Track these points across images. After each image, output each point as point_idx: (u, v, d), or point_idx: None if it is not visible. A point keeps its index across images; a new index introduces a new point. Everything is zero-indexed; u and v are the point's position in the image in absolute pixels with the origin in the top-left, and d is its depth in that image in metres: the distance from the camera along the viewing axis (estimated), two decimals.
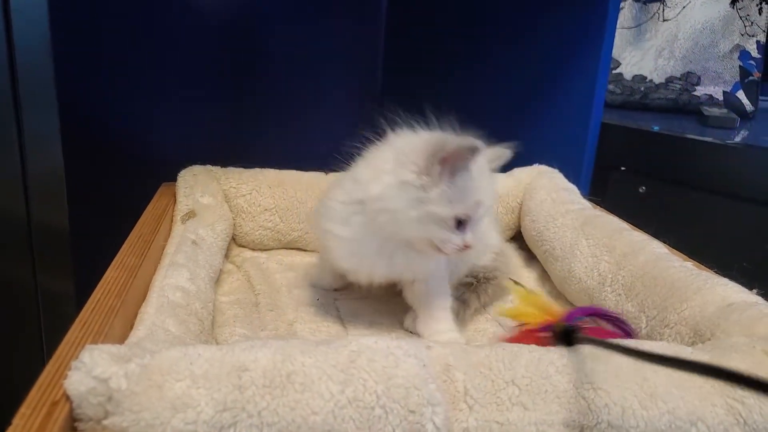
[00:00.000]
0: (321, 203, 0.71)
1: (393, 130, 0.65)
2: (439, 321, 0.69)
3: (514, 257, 0.95)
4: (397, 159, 0.61)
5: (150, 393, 0.37)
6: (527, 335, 0.54)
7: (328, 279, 0.80)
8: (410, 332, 0.71)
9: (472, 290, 0.76)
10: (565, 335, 0.47)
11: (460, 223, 0.61)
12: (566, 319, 0.54)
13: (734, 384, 0.33)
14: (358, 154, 0.68)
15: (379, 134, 0.66)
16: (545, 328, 0.53)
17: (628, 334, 0.59)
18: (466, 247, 0.62)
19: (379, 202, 0.62)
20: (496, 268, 0.79)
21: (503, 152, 0.68)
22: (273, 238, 0.94)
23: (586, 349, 0.46)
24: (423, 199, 0.60)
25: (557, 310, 0.55)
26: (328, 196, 0.70)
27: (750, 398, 0.43)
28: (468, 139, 0.59)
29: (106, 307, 0.51)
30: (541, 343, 0.48)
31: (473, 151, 0.58)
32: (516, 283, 0.78)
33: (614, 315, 0.60)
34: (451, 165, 0.59)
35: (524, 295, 0.59)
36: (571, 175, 1.00)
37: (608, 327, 0.59)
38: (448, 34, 1.34)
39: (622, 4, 1.61)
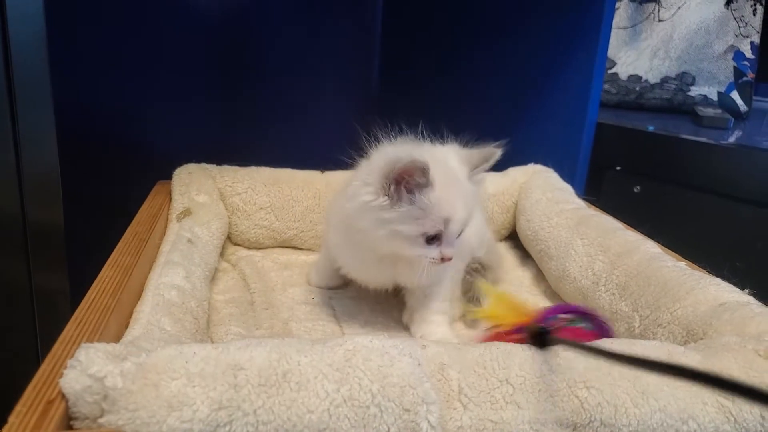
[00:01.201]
0: (330, 206, 0.72)
1: (387, 132, 0.65)
2: (432, 324, 0.70)
3: (509, 256, 0.95)
4: (363, 179, 0.61)
5: (146, 391, 0.37)
6: (501, 337, 0.53)
7: (327, 278, 0.80)
8: (407, 327, 0.71)
9: (480, 273, 0.78)
10: (538, 336, 0.47)
11: (434, 238, 0.60)
12: (540, 319, 0.53)
13: (694, 381, 0.33)
14: (362, 154, 0.68)
15: (376, 135, 0.66)
16: (519, 329, 0.52)
17: (605, 332, 0.58)
18: (444, 260, 0.61)
19: (353, 221, 0.63)
20: (490, 260, 0.82)
21: (492, 153, 0.66)
22: (268, 237, 0.94)
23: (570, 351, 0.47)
24: (387, 219, 0.59)
25: (530, 310, 0.54)
26: (335, 199, 0.70)
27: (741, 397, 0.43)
28: (415, 158, 0.57)
29: (102, 306, 0.51)
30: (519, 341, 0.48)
31: (422, 170, 0.57)
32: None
33: (591, 313, 0.59)
34: (406, 183, 0.58)
35: (497, 296, 0.57)
36: (566, 175, 1.00)
37: (582, 325, 0.58)
38: (443, 34, 1.34)
39: (617, 5, 1.61)
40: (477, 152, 0.66)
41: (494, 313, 0.55)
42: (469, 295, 0.75)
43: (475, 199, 0.65)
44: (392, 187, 0.59)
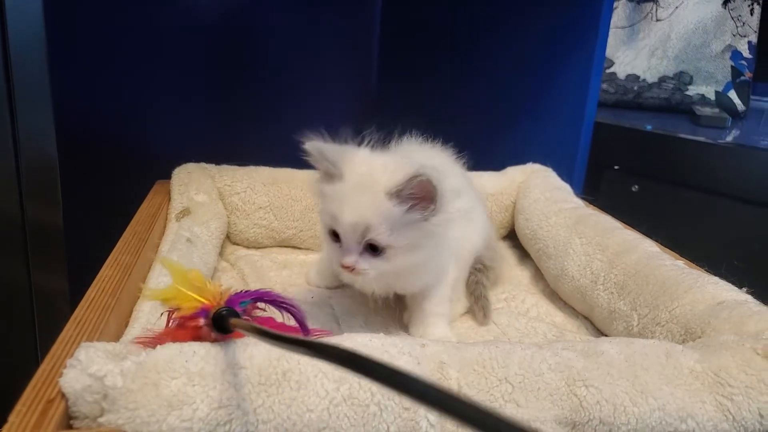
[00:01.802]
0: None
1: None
2: (429, 326, 0.69)
3: (507, 256, 0.95)
4: None
5: (146, 390, 0.37)
6: (180, 328, 0.46)
7: (326, 278, 0.80)
8: (408, 326, 0.72)
9: (482, 273, 0.78)
10: (219, 321, 0.43)
11: (338, 239, 0.61)
12: (227, 303, 0.46)
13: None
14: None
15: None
16: (200, 313, 0.45)
17: (301, 323, 0.51)
18: (347, 268, 0.60)
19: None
20: (492, 258, 0.82)
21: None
22: (267, 236, 0.94)
23: (578, 345, 0.47)
24: (320, 205, 0.63)
25: (216, 291, 0.47)
26: None
27: (739, 395, 0.43)
28: (327, 148, 0.60)
29: (101, 305, 0.51)
30: (196, 335, 0.43)
31: (331, 161, 0.59)
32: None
33: (285, 302, 0.51)
34: (325, 170, 0.61)
35: (179, 273, 0.48)
36: (565, 174, 1.00)
37: (268, 314, 0.51)
38: (442, 34, 1.34)
39: (615, 4, 1.61)
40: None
41: (175, 295, 0.47)
42: (477, 293, 0.75)
43: (387, 218, 0.59)
44: (321, 172, 0.62)
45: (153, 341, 0.44)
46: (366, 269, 0.60)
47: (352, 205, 0.59)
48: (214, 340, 0.44)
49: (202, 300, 0.45)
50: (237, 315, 0.43)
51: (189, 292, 0.46)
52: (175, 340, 0.43)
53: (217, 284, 0.47)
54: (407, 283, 0.68)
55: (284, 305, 0.49)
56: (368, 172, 0.60)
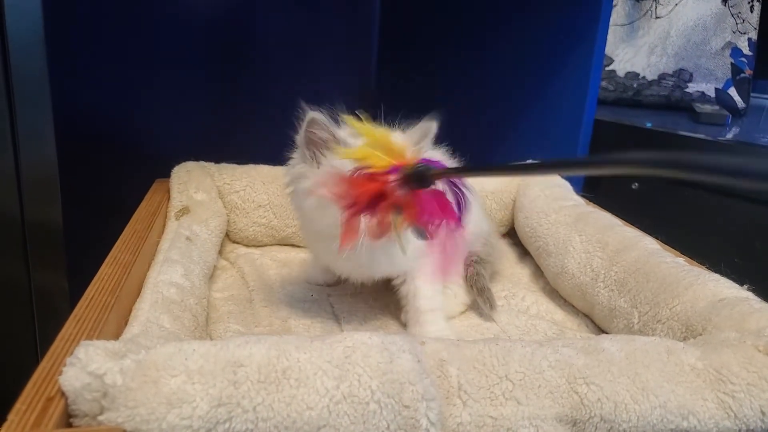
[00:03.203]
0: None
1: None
2: (425, 324, 0.68)
3: (507, 252, 0.95)
4: (292, 157, 0.66)
5: (145, 389, 0.37)
6: (370, 180, 0.48)
7: (320, 274, 0.80)
8: (407, 325, 0.71)
9: (480, 265, 0.78)
10: (418, 176, 0.45)
11: None
12: (417, 162, 0.49)
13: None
14: None
15: None
16: (393, 170, 0.47)
17: (459, 207, 0.54)
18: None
19: (294, 203, 0.68)
20: (489, 254, 0.82)
21: (429, 127, 0.64)
22: (267, 234, 0.94)
23: (579, 343, 0.47)
24: (311, 186, 0.62)
25: (404, 152, 0.50)
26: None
27: (741, 392, 0.43)
28: (315, 115, 0.59)
29: (101, 304, 0.51)
30: (382, 190, 0.45)
31: (323, 125, 0.59)
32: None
33: (459, 186, 0.54)
34: (316, 143, 0.61)
35: (369, 134, 0.50)
36: None
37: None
38: (441, 32, 1.34)
39: (615, 2, 1.61)
40: (415, 129, 0.64)
41: (367, 154, 0.49)
42: (479, 285, 0.75)
43: None
44: (307, 150, 0.61)
45: (342, 185, 0.47)
46: None
47: None
48: (393, 202, 0.46)
49: (392, 160, 0.48)
50: (429, 170, 0.45)
51: (380, 153, 0.48)
52: (362, 190, 0.45)
53: (404, 144, 0.50)
54: (384, 260, 0.66)
55: (456, 188, 0.53)
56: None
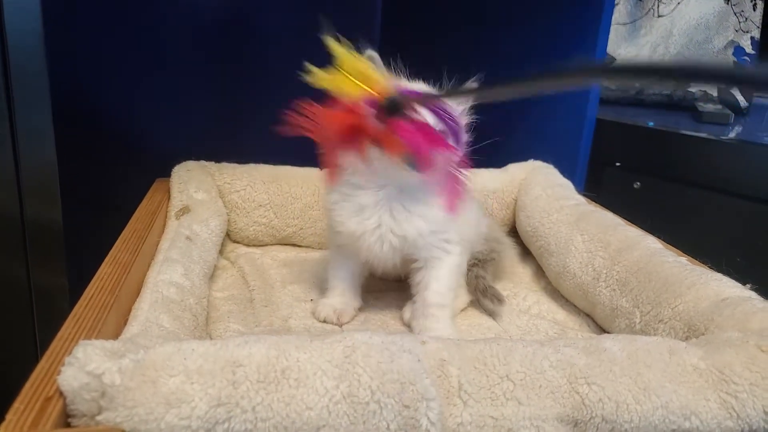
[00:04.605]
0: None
1: None
2: (430, 318, 0.67)
3: (510, 247, 0.95)
4: None
5: (144, 388, 0.37)
6: (346, 112, 0.45)
7: (329, 308, 0.72)
8: (407, 325, 0.71)
9: (479, 267, 0.78)
10: (392, 106, 0.43)
11: None
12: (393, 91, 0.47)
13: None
14: None
15: None
16: (368, 103, 0.45)
17: (455, 134, 0.52)
18: None
19: None
20: (492, 250, 0.81)
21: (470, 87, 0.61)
22: (267, 234, 0.94)
23: (580, 343, 0.46)
24: None
25: (382, 82, 0.47)
26: None
27: (743, 393, 0.43)
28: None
29: (100, 303, 0.51)
30: (357, 123, 0.43)
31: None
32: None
33: (444, 112, 0.52)
34: None
35: (348, 59, 0.47)
36: (566, 171, 1.00)
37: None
38: (443, 30, 1.33)
39: (616, 0, 1.61)
40: (458, 88, 0.61)
41: (344, 82, 0.47)
42: (481, 286, 0.75)
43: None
44: None
45: (315, 116, 0.45)
46: None
47: None
48: (370, 135, 0.43)
49: (370, 90, 0.45)
50: (404, 99, 0.43)
51: (357, 81, 0.46)
52: (335, 122, 0.43)
53: (383, 74, 0.48)
54: (418, 209, 0.64)
55: (443, 115, 0.49)
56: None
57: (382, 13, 1.40)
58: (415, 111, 0.42)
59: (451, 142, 0.51)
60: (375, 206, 0.65)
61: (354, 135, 0.45)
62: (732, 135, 1.31)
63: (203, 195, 0.85)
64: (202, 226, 0.79)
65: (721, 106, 1.52)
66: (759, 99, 1.59)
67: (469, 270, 0.77)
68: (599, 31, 1.04)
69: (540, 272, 0.88)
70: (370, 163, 0.49)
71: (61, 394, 0.37)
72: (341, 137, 0.46)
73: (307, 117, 0.46)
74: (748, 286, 0.60)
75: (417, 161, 0.49)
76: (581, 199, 0.91)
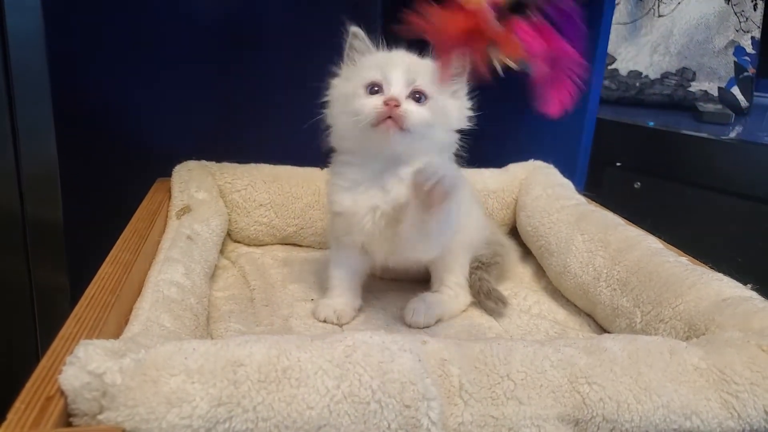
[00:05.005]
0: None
1: None
2: (449, 290, 0.75)
3: (512, 250, 0.95)
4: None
5: (145, 388, 0.37)
6: (463, 13, 0.45)
7: (329, 309, 0.72)
8: (409, 325, 0.71)
9: (482, 270, 0.78)
10: (515, 5, 0.43)
11: (377, 92, 0.66)
12: None
13: None
14: None
15: None
16: (491, 3, 0.45)
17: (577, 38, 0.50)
18: (389, 105, 0.63)
19: (333, 121, 0.72)
20: (496, 253, 0.82)
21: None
22: (268, 234, 0.94)
23: (581, 342, 0.46)
24: (344, 94, 0.69)
25: None
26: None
27: (744, 392, 0.43)
28: (356, 30, 0.70)
29: (101, 303, 0.51)
30: (476, 23, 0.43)
31: (361, 36, 0.69)
32: None
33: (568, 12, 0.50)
34: (351, 49, 0.71)
35: None
36: (567, 171, 1.00)
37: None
38: None
39: (617, 0, 1.61)
40: None
41: None
42: (484, 289, 0.75)
43: (433, 73, 0.67)
44: (345, 56, 0.71)
45: (433, 17, 0.45)
46: (409, 109, 0.64)
47: (403, 57, 0.68)
48: (488, 36, 0.43)
49: None
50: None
51: None
52: (454, 23, 0.43)
53: None
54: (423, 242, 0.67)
55: (567, 16, 0.48)
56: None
57: (382, 17, 1.39)
58: (539, 11, 0.43)
59: (571, 41, 0.51)
60: (368, 180, 0.68)
61: (472, 37, 0.45)
62: (732, 135, 1.31)
63: (204, 195, 0.85)
64: (203, 226, 0.79)
65: (722, 106, 1.51)
66: (759, 99, 1.59)
67: (472, 273, 0.77)
68: (599, 31, 1.04)
69: (540, 272, 0.88)
70: (484, 69, 0.50)
71: (62, 393, 0.37)
72: (459, 39, 0.46)
73: (425, 18, 0.46)
74: (749, 286, 0.60)
75: (534, 64, 0.50)
76: (582, 198, 0.91)
